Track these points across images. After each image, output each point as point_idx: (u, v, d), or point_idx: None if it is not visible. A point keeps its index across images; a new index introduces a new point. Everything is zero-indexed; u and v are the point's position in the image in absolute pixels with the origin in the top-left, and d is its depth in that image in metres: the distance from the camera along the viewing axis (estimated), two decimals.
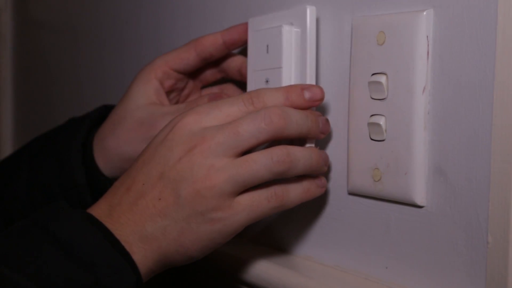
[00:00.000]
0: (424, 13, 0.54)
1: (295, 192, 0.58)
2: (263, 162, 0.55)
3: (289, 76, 0.62)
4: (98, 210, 0.56)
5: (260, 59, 0.65)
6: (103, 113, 0.79)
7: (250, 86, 0.67)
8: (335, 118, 0.63)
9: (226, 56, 0.73)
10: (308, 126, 0.57)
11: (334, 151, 0.63)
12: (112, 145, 0.73)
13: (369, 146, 0.58)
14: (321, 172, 0.60)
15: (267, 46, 0.64)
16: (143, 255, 0.55)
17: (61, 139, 0.77)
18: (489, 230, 0.49)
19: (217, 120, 0.56)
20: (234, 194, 0.55)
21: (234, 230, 0.56)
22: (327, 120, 0.60)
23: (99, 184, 0.74)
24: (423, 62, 0.54)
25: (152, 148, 0.57)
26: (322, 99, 0.59)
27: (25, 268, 0.51)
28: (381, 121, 0.57)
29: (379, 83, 0.56)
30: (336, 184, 0.63)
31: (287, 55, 0.62)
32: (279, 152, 0.55)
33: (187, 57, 0.72)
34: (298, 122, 0.56)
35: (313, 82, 0.61)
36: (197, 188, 0.54)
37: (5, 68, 1.41)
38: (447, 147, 0.53)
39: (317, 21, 0.63)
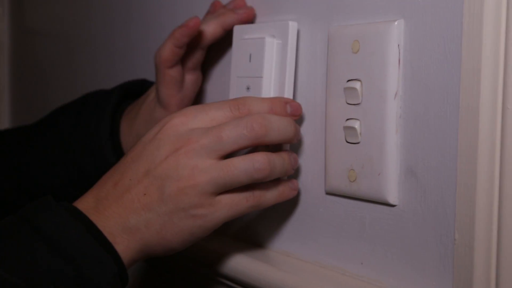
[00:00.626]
0: (396, 23, 0.54)
1: (271, 194, 0.59)
2: (244, 168, 0.56)
3: (268, 86, 0.63)
4: (85, 203, 0.56)
5: (243, 66, 0.66)
6: (140, 86, 0.79)
7: (232, 91, 0.67)
8: (313, 122, 0.63)
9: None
10: (288, 132, 0.58)
11: (312, 153, 0.63)
12: (138, 128, 0.74)
13: (345, 149, 0.58)
14: (289, 174, 0.61)
15: (250, 55, 0.65)
16: (126, 246, 0.55)
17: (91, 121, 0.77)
18: (456, 227, 0.49)
19: (203, 123, 0.57)
20: (215, 194, 0.56)
21: (214, 226, 0.57)
22: (299, 127, 0.61)
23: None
24: (395, 69, 0.54)
25: (141, 145, 0.58)
26: (300, 114, 0.61)
27: (11, 264, 0.51)
28: (356, 124, 0.57)
29: (354, 89, 0.57)
30: (314, 184, 0.63)
31: (268, 65, 0.63)
32: (261, 160, 0.56)
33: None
34: (279, 128, 0.57)
35: (291, 93, 0.62)
36: (180, 186, 0.55)
37: (3, 73, 1.41)
38: (417, 149, 0.53)
39: (297, 31, 0.63)
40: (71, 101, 0.85)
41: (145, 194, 0.55)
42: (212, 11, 0.73)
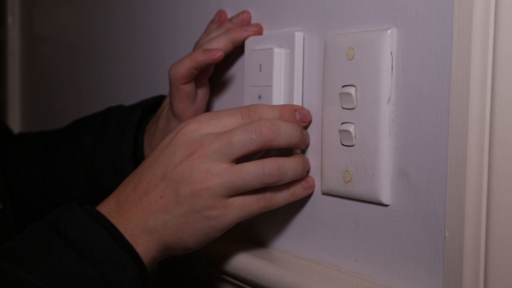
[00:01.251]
0: (389, 31, 0.54)
1: (282, 195, 0.59)
2: (255, 173, 0.56)
3: (278, 94, 0.64)
4: (107, 206, 0.57)
5: (254, 76, 0.66)
6: (158, 102, 0.80)
7: (245, 100, 0.68)
8: (310, 126, 0.63)
9: None
10: (295, 138, 0.58)
11: (309, 155, 0.63)
12: (157, 143, 0.74)
13: (340, 151, 0.58)
14: (301, 177, 0.61)
15: (260, 65, 0.65)
16: (146, 246, 0.56)
17: (114, 137, 0.77)
18: (446, 225, 0.49)
19: (216, 129, 0.58)
20: (227, 196, 0.56)
21: (227, 226, 0.57)
22: (307, 133, 0.62)
23: None
24: (388, 75, 0.54)
25: (158, 151, 0.59)
26: (310, 121, 0.61)
27: (39, 269, 0.52)
28: (351, 128, 0.57)
29: (349, 94, 0.57)
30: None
31: (277, 74, 0.63)
32: (270, 166, 0.56)
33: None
34: (286, 134, 0.57)
35: (300, 100, 0.63)
36: (194, 189, 0.55)
37: (14, 79, 1.41)
38: (409, 151, 0.53)
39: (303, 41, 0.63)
40: (93, 114, 0.85)
41: (161, 197, 0.56)
42: (217, 21, 0.73)
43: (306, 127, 0.63)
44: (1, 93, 1.43)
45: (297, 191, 0.61)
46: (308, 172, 0.63)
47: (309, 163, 0.62)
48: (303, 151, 0.64)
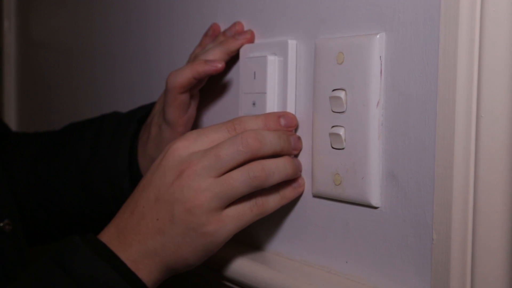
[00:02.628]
0: (378, 36, 0.54)
1: (274, 199, 0.60)
2: (241, 179, 0.57)
3: (272, 101, 0.64)
4: (108, 234, 0.59)
5: (249, 83, 0.67)
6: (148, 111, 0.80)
7: (240, 107, 0.68)
8: (301, 129, 0.63)
9: None
10: (280, 145, 0.59)
11: (300, 158, 0.63)
12: (150, 152, 0.75)
13: (331, 154, 0.59)
14: (296, 177, 0.61)
15: (254, 72, 0.65)
16: (148, 270, 0.57)
17: (109, 153, 0.78)
18: (434, 227, 0.49)
19: (203, 145, 0.58)
20: (220, 209, 0.57)
21: (225, 239, 0.58)
22: (299, 138, 0.62)
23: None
24: (377, 79, 0.55)
25: (150, 173, 0.60)
26: (296, 125, 0.61)
27: None
28: (341, 131, 0.57)
29: (339, 98, 0.57)
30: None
31: (271, 81, 0.64)
32: (255, 168, 0.57)
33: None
34: (272, 142, 0.58)
35: (293, 106, 0.63)
36: (187, 207, 0.56)
37: (10, 83, 1.41)
38: (398, 154, 0.54)
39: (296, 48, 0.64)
40: (87, 121, 0.85)
41: (157, 219, 0.57)
42: (211, 35, 0.74)
43: (296, 130, 0.63)
44: None
45: (287, 193, 0.61)
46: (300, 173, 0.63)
47: (300, 164, 0.62)
48: (296, 156, 0.64)
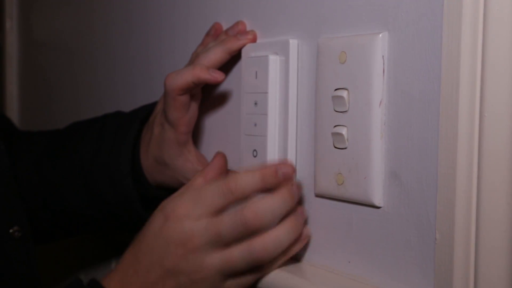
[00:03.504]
0: (380, 35, 0.54)
1: (276, 261, 0.60)
2: (243, 259, 0.57)
3: (274, 100, 0.64)
4: (113, 286, 0.60)
5: (250, 83, 0.66)
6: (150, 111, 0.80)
7: (242, 106, 0.68)
8: (304, 129, 0.63)
9: None
10: (286, 208, 0.58)
11: (303, 157, 0.63)
12: (153, 151, 0.74)
13: (333, 153, 0.59)
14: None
15: (256, 72, 0.65)
16: None
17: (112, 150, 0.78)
18: (437, 227, 0.49)
19: (203, 211, 0.59)
20: (223, 281, 0.59)
21: None
22: (299, 187, 0.60)
23: (146, 190, 0.77)
24: (380, 79, 0.54)
25: (152, 235, 0.60)
26: (293, 174, 0.60)
27: None
28: (343, 131, 0.57)
29: (341, 97, 0.57)
30: (305, 187, 0.63)
31: (273, 81, 0.64)
32: (257, 247, 0.57)
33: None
34: (274, 213, 0.58)
35: (294, 106, 0.63)
36: (192, 279, 0.58)
37: (12, 83, 1.41)
38: (401, 154, 0.53)
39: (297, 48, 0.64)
40: (90, 120, 0.85)
41: (163, 285, 0.59)
42: (213, 34, 0.74)
43: (286, 134, 0.63)
44: None
45: (290, 250, 0.61)
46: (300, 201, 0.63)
47: (304, 213, 0.61)
48: (295, 153, 0.64)
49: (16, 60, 1.40)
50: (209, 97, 0.76)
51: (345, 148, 0.57)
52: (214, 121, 0.76)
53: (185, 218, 0.59)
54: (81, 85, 1.12)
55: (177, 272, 0.58)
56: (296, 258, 0.64)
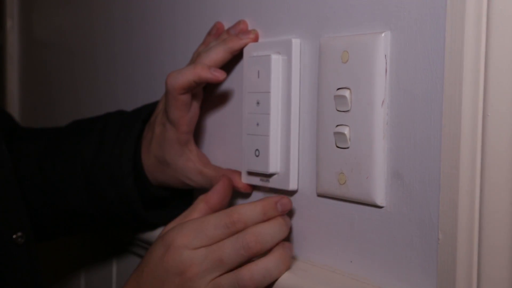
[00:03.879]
0: (383, 34, 0.54)
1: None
2: (231, 286, 0.59)
3: (276, 100, 0.64)
4: None
5: (253, 82, 0.66)
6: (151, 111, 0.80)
7: (244, 106, 0.68)
8: (306, 128, 0.63)
9: None
10: (282, 235, 0.61)
11: (305, 157, 0.63)
12: (154, 150, 0.75)
13: (335, 153, 0.58)
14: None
15: (258, 71, 0.65)
16: None
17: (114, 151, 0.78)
18: (440, 227, 0.49)
19: (202, 242, 0.60)
20: None
21: None
22: (288, 202, 0.62)
23: (147, 189, 0.77)
24: (382, 78, 0.54)
25: (153, 264, 0.62)
26: (291, 208, 0.62)
27: None
28: (346, 130, 0.57)
29: (344, 97, 0.57)
30: (306, 187, 0.63)
31: (275, 81, 0.64)
32: (244, 279, 0.58)
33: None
34: (273, 236, 0.60)
35: (297, 106, 0.63)
36: None
37: (13, 82, 1.41)
38: (403, 153, 0.53)
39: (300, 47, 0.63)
40: (92, 119, 0.85)
41: None
42: (215, 33, 0.74)
43: (288, 132, 0.63)
44: (0, 96, 1.43)
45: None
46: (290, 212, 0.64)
47: (291, 255, 0.62)
48: (296, 153, 0.64)
49: (16, 59, 1.40)
50: (211, 96, 0.76)
51: (347, 147, 0.57)
52: (216, 121, 0.76)
53: (185, 248, 0.60)
54: (82, 84, 1.12)
55: None
56: (298, 258, 0.64)
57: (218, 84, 0.74)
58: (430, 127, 0.51)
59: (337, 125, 0.58)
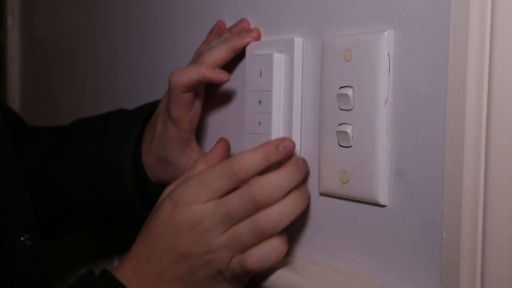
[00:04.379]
0: (386, 33, 0.54)
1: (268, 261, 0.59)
2: (249, 233, 0.57)
3: (278, 99, 0.64)
4: (125, 276, 0.60)
5: (255, 81, 0.66)
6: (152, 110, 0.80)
7: (246, 105, 0.68)
8: (308, 127, 0.63)
9: None
10: (295, 182, 0.58)
11: (307, 156, 0.63)
12: (155, 149, 0.74)
13: (338, 152, 0.58)
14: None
15: (261, 70, 0.65)
16: None
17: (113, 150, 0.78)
18: (443, 226, 0.49)
19: (209, 195, 0.59)
20: (232, 257, 0.59)
21: (245, 281, 0.61)
22: (304, 161, 0.60)
23: (148, 189, 0.77)
24: (385, 77, 0.54)
25: (161, 223, 0.60)
26: (294, 148, 0.60)
27: None
28: (348, 129, 0.57)
29: (346, 95, 0.57)
30: (309, 186, 0.63)
31: (277, 79, 0.63)
32: (261, 223, 0.57)
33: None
34: (281, 187, 0.57)
35: (299, 105, 0.63)
36: (204, 260, 0.58)
37: (14, 81, 1.41)
38: (406, 152, 0.53)
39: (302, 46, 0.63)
40: (93, 118, 0.85)
41: (175, 269, 0.59)
42: (217, 32, 0.74)
43: (290, 131, 0.63)
44: (1, 95, 1.43)
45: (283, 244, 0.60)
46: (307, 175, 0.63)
47: (307, 196, 0.60)
48: (300, 152, 0.63)
49: (17, 58, 1.40)
50: (212, 95, 0.76)
51: (350, 146, 0.57)
52: (217, 120, 0.76)
53: (193, 203, 0.59)
54: (83, 82, 1.12)
55: (189, 255, 0.58)
56: (300, 257, 0.64)
57: (221, 84, 0.74)
58: (434, 126, 0.50)
59: (340, 124, 0.58)
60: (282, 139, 0.59)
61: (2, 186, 0.73)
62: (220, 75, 0.67)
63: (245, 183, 0.58)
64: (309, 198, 0.62)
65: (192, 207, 0.59)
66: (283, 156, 0.59)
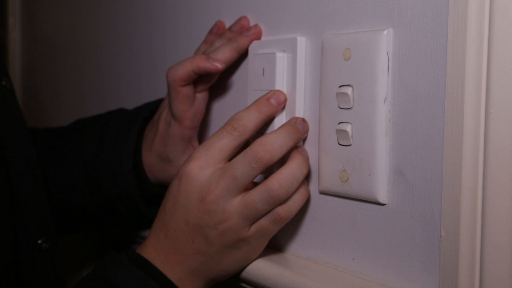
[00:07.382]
0: (385, 32, 0.54)
1: (295, 207, 0.60)
2: (262, 198, 0.58)
3: None
4: (148, 254, 0.61)
5: (257, 80, 0.66)
6: (153, 109, 0.81)
7: (249, 103, 0.68)
8: (308, 126, 0.63)
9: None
10: (293, 140, 0.59)
11: (308, 154, 0.63)
12: (157, 147, 0.75)
13: (337, 150, 0.59)
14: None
15: (263, 69, 0.65)
16: (193, 285, 0.60)
17: (114, 150, 0.78)
18: (442, 224, 0.49)
19: (214, 157, 0.59)
20: (249, 226, 0.59)
21: (262, 247, 0.62)
22: (303, 120, 0.62)
23: (147, 187, 0.77)
24: (384, 75, 0.54)
25: (172, 197, 0.61)
26: (286, 99, 0.62)
27: None
28: (348, 128, 0.57)
29: (346, 94, 0.57)
30: (309, 184, 0.63)
31: (280, 78, 0.64)
32: (273, 187, 0.57)
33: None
34: (282, 144, 0.58)
35: (302, 104, 0.63)
36: (219, 230, 0.59)
37: (15, 80, 1.41)
38: (405, 150, 0.53)
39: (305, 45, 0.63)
40: (93, 117, 0.85)
41: (193, 241, 0.59)
42: (217, 32, 0.74)
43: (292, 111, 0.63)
44: None
45: (303, 192, 0.61)
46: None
47: (308, 156, 0.62)
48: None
49: (19, 56, 1.41)
50: (215, 94, 0.76)
51: (350, 145, 0.57)
52: (220, 118, 0.76)
53: (199, 171, 0.59)
54: (84, 81, 1.12)
55: (203, 226, 0.59)
56: (300, 255, 0.64)
57: (222, 81, 0.74)
58: (433, 124, 0.51)
59: (339, 123, 0.58)
60: (273, 92, 0.62)
61: (23, 187, 0.73)
62: (215, 63, 0.67)
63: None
64: (308, 158, 0.62)
65: (199, 176, 0.59)
66: (276, 107, 0.61)
